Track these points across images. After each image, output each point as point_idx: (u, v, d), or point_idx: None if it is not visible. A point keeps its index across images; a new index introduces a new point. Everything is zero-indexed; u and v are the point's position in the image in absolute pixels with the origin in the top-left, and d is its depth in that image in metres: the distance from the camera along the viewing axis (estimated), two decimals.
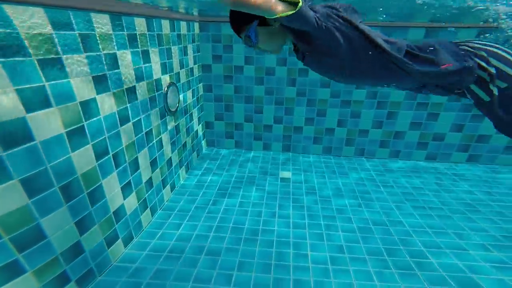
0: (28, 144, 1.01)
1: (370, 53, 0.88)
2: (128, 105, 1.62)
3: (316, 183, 2.58)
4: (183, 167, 2.59)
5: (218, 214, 2.09)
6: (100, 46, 1.35)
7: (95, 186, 1.40)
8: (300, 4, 0.77)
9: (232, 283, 1.49)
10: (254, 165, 2.90)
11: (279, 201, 2.27)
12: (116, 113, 1.52)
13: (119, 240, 1.65)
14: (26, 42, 0.97)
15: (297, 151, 3.15)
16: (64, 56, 1.14)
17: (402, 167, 2.93)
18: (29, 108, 1.00)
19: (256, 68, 2.76)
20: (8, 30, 0.90)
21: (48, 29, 1.05)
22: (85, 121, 1.30)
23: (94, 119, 1.36)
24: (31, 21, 0.98)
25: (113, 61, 1.46)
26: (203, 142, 3.20)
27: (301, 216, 2.09)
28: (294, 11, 0.77)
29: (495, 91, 0.87)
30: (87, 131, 1.31)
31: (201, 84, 2.94)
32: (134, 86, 1.68)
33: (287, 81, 2.77)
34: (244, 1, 0.74)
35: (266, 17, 0.82)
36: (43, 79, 1.05)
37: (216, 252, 1.71)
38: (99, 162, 1.41)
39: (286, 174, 2.62)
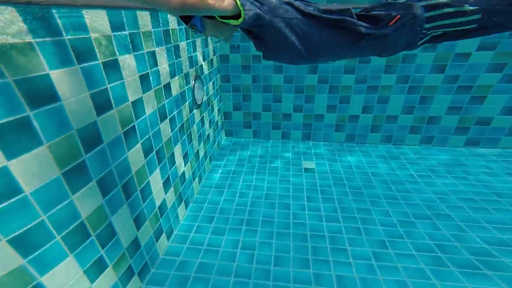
0: (99, 147, 1.08)
1: (324, 32, 0.91)
2: (165, 101, 1.68)
3: (343, 173, 2.61)
4: (208, 158, 2.68)
5: (247, 207, 2.17)
6: (143, 45, 1.39)
7: (145, 183, 1.48)
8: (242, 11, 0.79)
9: (271, 278, 1.53)
10: (275, 154, 2.98)
11: (307, 193, 2.32)
12: (157, 110, 1.59)
13: (164, 234, 1.76)
14: (95, 46, 1.02)
15: (317, 139, 3.24)
16: (120, 57, 1.19)
17: (437, 154, 2.83)
18: (98, 112, 1.07)
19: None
20: (84, 36, 0.95)
21: (109, 31, 1.10)
22: (135, 120, 1.36)
23: (142, 118, 1.42)
24: (98, 24, 1.03)
25: (153, 58, 1.51)
26: (222, 133, 3.27)
27: (332, 209, 2.12)
28: (241, 21, 0.81)
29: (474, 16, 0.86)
30: (137, 130, 1.38)
31: (219, 75, 2.98)
32: (169, 83, 1.73)
33: (307, 68, 2.81)
34: (192, 4, 0.72)
35: (216, 15, 0.83)
36: (106, 81, 1.11)
37: (251, 246, 1.78)
38: (146, 159, 1.49)
39: (310, 164, 2.71)
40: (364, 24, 0.90)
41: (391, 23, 0.89)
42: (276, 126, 3.21)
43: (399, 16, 0.88)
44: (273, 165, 2.77)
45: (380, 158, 2.87)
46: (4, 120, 0.69)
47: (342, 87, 2.86)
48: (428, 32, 0.94)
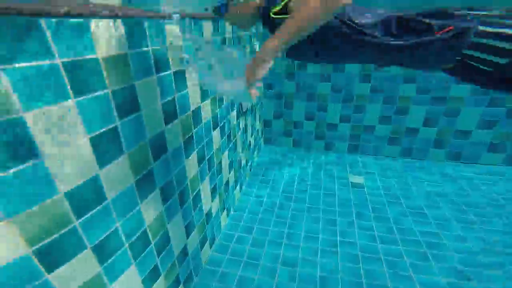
0: (164, 155, 1.12)
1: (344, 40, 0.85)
2: (218, 110, 1.71)
3: (399, 190, 2.44)
4: (248, 166, 2.68)
5: (287, 220, 2.12)
6: (205, 53, 1.43)
7: (196, 191, 1.51)
8: None
9: None
10: (317, 165, 2.90)
11: (355, 209, 2.21)
12: (211, 119, 1.61)
13: (207, 242, 1.77)
14: (169, 56, 1.06)
15: (366, 152, 3.08)
16: (186, 65, 1.23)
17: None
18: (166, 121, 1.10)
19: (323, 64, 2.74)
20: (161, 46, 1.00)
21: (180, 41, 1.14)
22: (194, 129, 1.39)
23: (199, 126, 1.45)
24: (173, 34, 1.07)
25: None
26: (262, 141, 3.27)
27: (388, 230, 1.98)
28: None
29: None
30: (194, 139, 1.41)
31: (262, 83, 2.99)
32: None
33: (359, 77, 2.71)
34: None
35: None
36: (175, 91, 1.15)
37: (292, 263, 1.71)
38: (199, 167, 1.52)
39: (358, 178, 2.59)
40: (398, 39, 0.82)
41: (440, 32, 0.79)
42: (319, 136, 3.13)
43: (452, 27, 0.78)
44: (315, 177, 2.70)
45: (446, 176, 2.63)
46: (102, 130, 0.73)
47: (399, 97, 2.69)
48: (458, 58, 0.85)
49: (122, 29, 0.78)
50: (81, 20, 0.65)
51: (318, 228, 2.03)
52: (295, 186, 2.57)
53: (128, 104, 0.84)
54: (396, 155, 2.99)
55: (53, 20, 0.59)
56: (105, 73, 0.73)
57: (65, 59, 0.62)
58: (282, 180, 2.67)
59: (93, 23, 0.69)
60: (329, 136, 3.10)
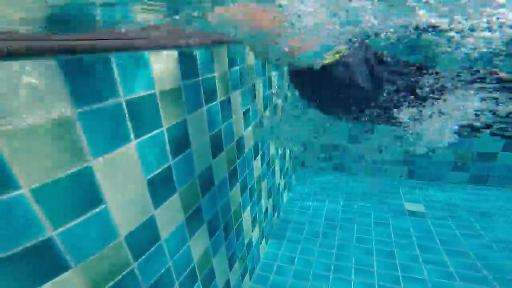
0: (211, 190, 1.12)
1: None
2: (258, 137, 1.71)
3: (476, 221, 2.16)
4: (286, 191, 2.62)
5: (333, 250, 1.99)
6: (248, 78, 1.45)
7: (239, 222, 1.49)
8: None
9: None
10: (364, 191, 2.73)
11: (418, 241, 2.00)
12: (252, 147, 1.61)
13: (247, 274, 1.72)
14: (217, 85, 1.08)
15: (423, 178, 2.83)
16: (231, 94, 1.25)
17: None
18: (214, 155, 1.11)
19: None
20: (211, 75, 1.02)
21: (226, 67, 1.16)
22: (237, 160, 1.39)
23: (242, 157, 1.45)
24: (221, 62, 1.09)
25: (253, 92, 1.56)
26: (300, 165, 3.20)
27: (469, 266, 1.76)
28: None
29: None
30: (238, 170, 1.41)
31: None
32: (262, 116, 1.76)
33: None
34: None
35: None
36: (221, 121, 1.17)
37: None
38: (242, 198, 1.50)
39: (416, 206, 2.36)
40: None
41: None
42: (364, 160, 2.97)
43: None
44: (362, 204, 2.53)
45: None
46: (158, 171, 0.76)
47: None
48: None
49: (176, 60, 0.81)
50: (141, 53, 0.68)
51: (372, 260, 1.87)
52: (339, 214, 2.42)
53: (180, 140, 0.86)
54: (463, 181, 2.67)
55: (121, 56, 0.61)
56: (161, 109, 0.75)
57: (128, 97, 0.65)
58: (324, 206, 2.54)
59: (151, 56, 0.72)
60: (376, 160, 2.91)
